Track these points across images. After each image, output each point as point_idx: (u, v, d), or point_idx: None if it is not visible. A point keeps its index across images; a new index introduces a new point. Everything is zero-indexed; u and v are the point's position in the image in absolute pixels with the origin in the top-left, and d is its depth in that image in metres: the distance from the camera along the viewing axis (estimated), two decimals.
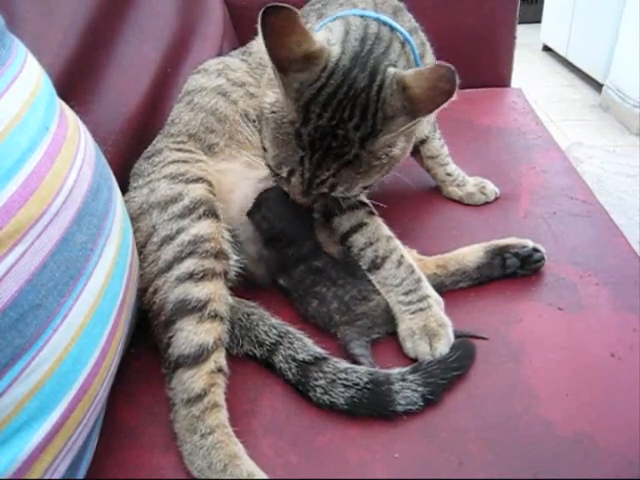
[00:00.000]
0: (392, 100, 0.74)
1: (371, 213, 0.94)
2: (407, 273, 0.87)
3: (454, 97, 0.71)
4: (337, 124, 0.75)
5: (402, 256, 0.89)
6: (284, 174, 0.81)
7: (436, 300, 0.86)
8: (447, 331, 0.82)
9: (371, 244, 0.90)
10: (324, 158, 0.76)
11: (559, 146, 1.38)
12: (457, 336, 0.82)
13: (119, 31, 1.12)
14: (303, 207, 0.85)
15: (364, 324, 0.83)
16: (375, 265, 0.89)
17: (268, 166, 0.85)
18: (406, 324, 0.83)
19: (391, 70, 0.77)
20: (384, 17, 0.85)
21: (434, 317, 0.83)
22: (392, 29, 0.84)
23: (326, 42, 0.78)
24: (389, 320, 0.85)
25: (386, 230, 0.92)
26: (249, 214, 0.93)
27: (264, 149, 0.83)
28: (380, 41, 0.81)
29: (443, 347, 0.80)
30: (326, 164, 0.77)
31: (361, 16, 0.84)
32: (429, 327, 0.81)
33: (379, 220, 0.93)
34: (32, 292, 0.56)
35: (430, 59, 0.96)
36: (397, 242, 0.91)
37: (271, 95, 0.79)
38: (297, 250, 0.91)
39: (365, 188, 0.83)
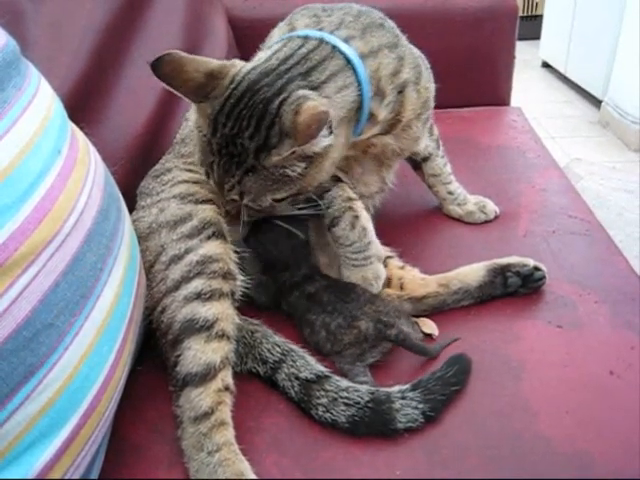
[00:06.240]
0: (285, 119, 0.76)
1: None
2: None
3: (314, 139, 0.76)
4: (237, 133, 0.79)
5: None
6: (203, 175, 0.87)
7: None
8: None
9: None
10: (229, 165, 0.81)
11: (558, 165, 1.40)
12: (439, 350, 0.84)
13: (126, 52, 1.14)
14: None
15: (354, 352, 0.83)
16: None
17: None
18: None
19: (300, 92, 0.78)
20: (330, 37, 0.85)
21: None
22: (338, 51, 0.85)
23: (257, 60, 0.84)
24: (378, 343, 0.84)
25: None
26: (245, 239, 0.94)
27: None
28: (306, 61, 0.82)
29: None
30: (231, 171, 0.81)
31: (305, 37, 0.85)
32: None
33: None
34: (45, 312, 0.58)
35: (407, 74, 0.92)
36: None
37: (194, 116, 0.86)
38: (291, 276, 0.93)
39: (277, 201, 0.84)
